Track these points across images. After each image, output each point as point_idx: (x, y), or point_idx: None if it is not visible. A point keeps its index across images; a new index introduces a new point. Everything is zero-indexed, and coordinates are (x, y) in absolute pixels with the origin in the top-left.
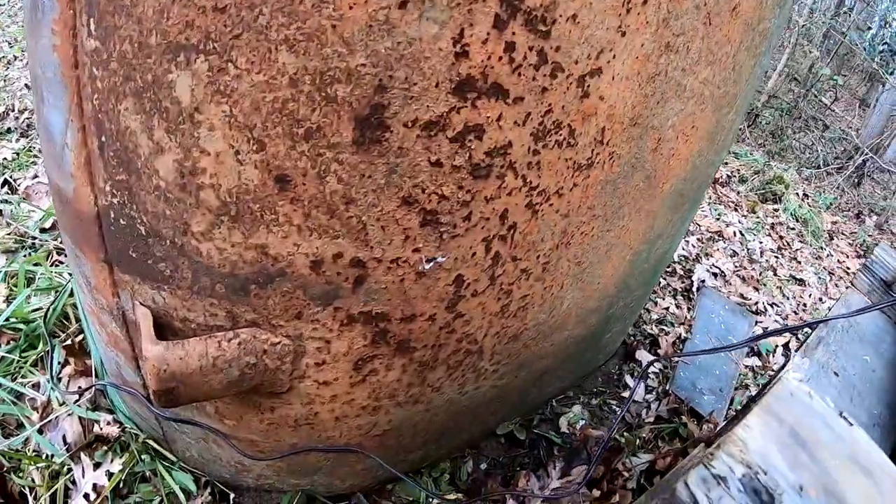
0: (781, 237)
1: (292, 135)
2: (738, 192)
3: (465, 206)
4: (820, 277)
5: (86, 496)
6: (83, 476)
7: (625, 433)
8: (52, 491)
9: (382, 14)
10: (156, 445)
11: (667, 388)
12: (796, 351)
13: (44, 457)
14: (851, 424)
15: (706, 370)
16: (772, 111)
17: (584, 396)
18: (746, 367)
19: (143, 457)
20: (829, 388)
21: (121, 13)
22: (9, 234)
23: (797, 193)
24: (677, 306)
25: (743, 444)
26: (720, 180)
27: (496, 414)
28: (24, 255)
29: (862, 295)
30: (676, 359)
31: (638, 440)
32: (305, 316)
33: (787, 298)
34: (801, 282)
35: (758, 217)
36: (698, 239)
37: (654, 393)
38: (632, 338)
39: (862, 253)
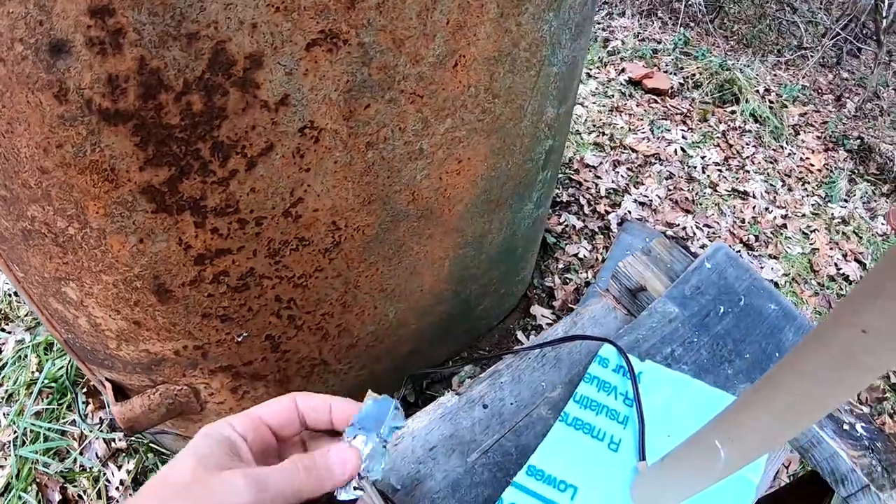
0: (731, 145)
1: (150, 303)
2: (692, 100)
3: (242, 306)
4: (770, 184)
5: (116, 489)
6: (113, 476)
7: None
8: (96, 490)
9: None
10: (154, 445)
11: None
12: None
13: (87, 469)
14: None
15: None
16: None
17: (477, 356)
18: None
19: (147, 455)
20: (464, 421)
21: None
22: (27, 313)
23: (759, 90)
24: (592, 249)
25: None
26: (670, 91)
27: (381, 389)
28: (44, 329)
29: (612, 300)
30: (575, 308)
31: None
32: (187, 374)
33: (725, 215)
34: (744, 195)
35: (709, 126)
36: (629, 168)
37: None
38: (534, 290)
39: (831, 146)
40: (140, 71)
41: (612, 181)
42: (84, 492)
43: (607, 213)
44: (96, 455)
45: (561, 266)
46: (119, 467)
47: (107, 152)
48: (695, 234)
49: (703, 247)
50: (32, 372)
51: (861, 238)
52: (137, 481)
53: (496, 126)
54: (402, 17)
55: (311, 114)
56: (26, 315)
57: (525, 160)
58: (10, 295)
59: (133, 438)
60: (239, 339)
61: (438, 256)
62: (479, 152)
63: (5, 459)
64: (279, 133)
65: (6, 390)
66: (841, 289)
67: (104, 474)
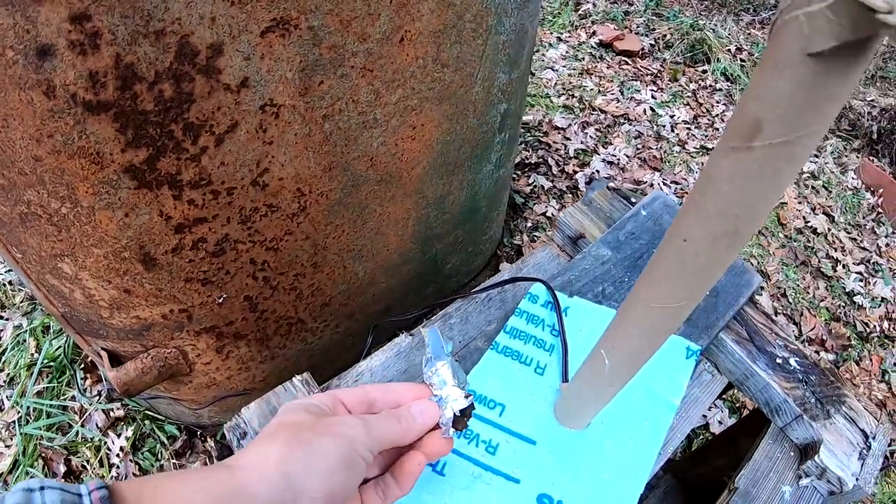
0: (701, 104)
1: (137, 271)
2: (663, 61)
3: (220, 270)
4: None
5: (117, 455)
6: (113, 444)
7: None
8: (98, 458)
9: None
10: (149, 412)
11: None
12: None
13: (88, 440)
14: None
15: None
16: None
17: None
18: None
19: (144, 422)
20: (416, 358)
21: None
22: (22, 300)
23: (730, 49)
24: (561, 208)
25: None
26: (641, 52)
27: (357, 344)
28: (41, 311)
29: (556, 248)
30: None
31: None
32: (175, 337)
33: (693, 172)
34: (712, 151)
35: (680, 86)
36: (597, 129)
37: None
38: (504, 249)
39: None
40: (116, 66)
41: (581, 142)
42: (87, 461)
43: (575, 172)
44: (96, 426)
45: (529, 225)
46: (118, 435)
47: (92, 139)
48: (662, 191)
49: None
50: (31, 354)
51: (830, 192)
52: (136, 447)
53: (447, 94)
54: (346, 1)
55: (270, 93)
56: (22, 301)
57: (480, 123)
58: (4, 284)
59: (130, 406)
60: (220, 301)
61: (401, 217)
62: (432, 118)
63: (11, 438)
64: (242, 112)
65: (7, 374)
66: (808, 241)
67: (105, 443)
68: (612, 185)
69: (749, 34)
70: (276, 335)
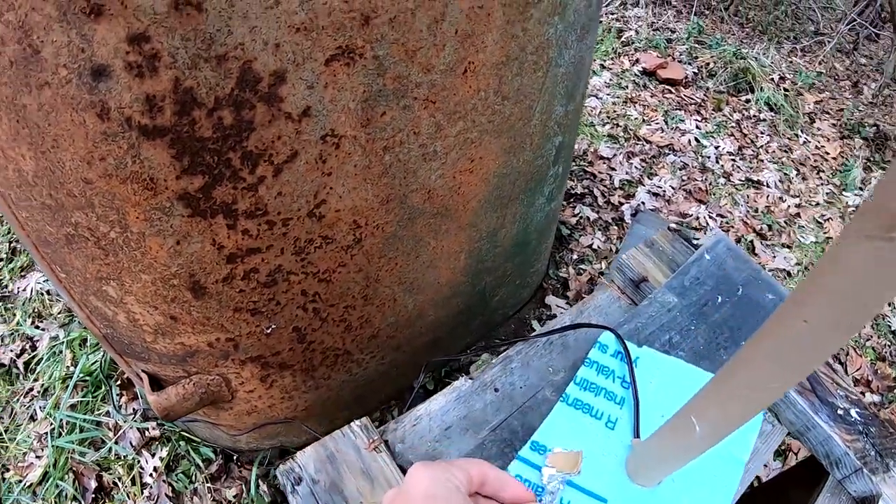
0: (745, 134)
1: (186, 299)
2: (706, 90)
3: (271, 300)
4: (785, 173)
5: (150, 475)
6: (146, 463)
7: None
8: (130, 477)
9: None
10: (186, 434)
11: None
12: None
13: (121, 458)
14: None
15: None
16: None
17: (493, 345)
18: None
19: (179, 443)
20: (477, 403)
21: None
22: (59, 311)
23: (773, 78)
24: (606, 240)
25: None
26: (684, 81)
27: (402, 377)
28: (78, 323)
29: (617, 291)
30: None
31: None
32: (220, 364)
33: (738, 205)
34: (757, 184)
35: (724, 115)
36: (642, 160)
37: None
38: (550, 281)
39: (847, 133)
40: (175, 90)
41: (626, 172)
42: (119, 479)
43: (621, 204)
44: (130, 444)
45: (575, 257)
46: (153, 455)
47: (146, 164)
48: (707, 224)
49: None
50: (67, 366)
51: None
52: (170, 468)
53: (506, 126)
54: (413, 31)
55: (332, 123)
56: (59, 313)
57: (536, 157)
58: (42, 294)
59: (166, 426)
60: (268, 331)
61: (454, 250)
62: (490, 151)
63: (42, 450)
64: (302, 141)
65: (42, 384)
66: None
67: (138, 462)
68: (672, 227)
69: (791, 62)
70: (321, 366)
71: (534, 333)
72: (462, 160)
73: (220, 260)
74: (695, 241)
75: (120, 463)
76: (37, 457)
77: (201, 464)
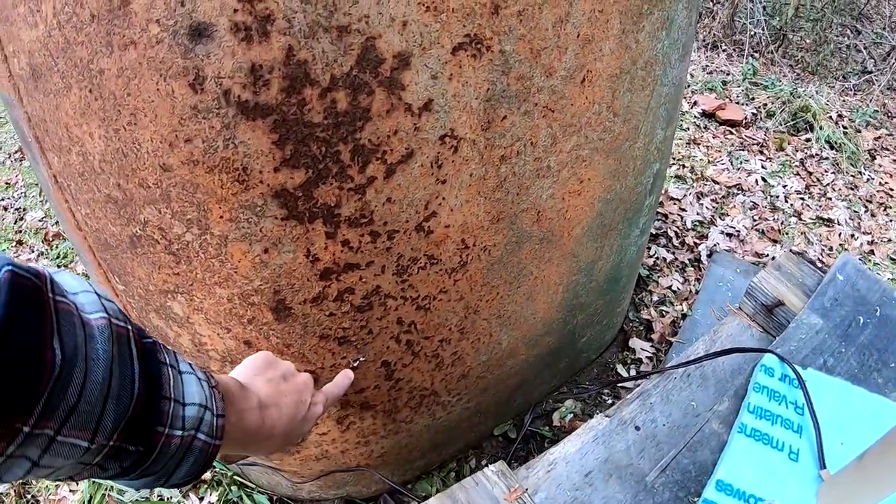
0: (811, 173)
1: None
2: (766, 130)
3: (363, 328)
4: (854, 211)
5: None
6: None
7: None
8: None
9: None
10: (239, 478)
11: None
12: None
13: (164, 499)
14: None
15: None
16: (803, 22)
17: (578, 390)
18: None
19: (231, 488)
20: (618, 444)
21: None
22: None
23: (831, 116)
24: (684, 281)
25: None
26: (744, 121)
27: (483, 423)
28: None
29: (746, 318)
30: (673, 340)
31: None
32: None
33: (812, 244)
34: (828, 222)
35: (786, 155)
36: (713, 200)
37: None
38: (631, 324)
39: None
40: (286, 62)
41: (697, 213)
42: None
43: (696, 244)
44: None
45: (656, 298)
46: (201, 499)
47: (241, 149)
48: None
49: None
50: None
51: None
52: None
53: (614, 146)
54: (539, 27)
55: (453, 121)
56: None
57: (636, 183)
58: None
59: (218, 468)
60: (355, 365)
61: (554, 282)
62: (598, 173)
63: (77, 484)
64: (420, 140)
65: None
66: None
67: None
68: (793, 250)
69: (844, 101)
70: (405, 407)
71: (671, 363)
72: (572, 180)
73: (313, 275)
74: (818, 265)
75: None
76: (70, 491)
77: None
